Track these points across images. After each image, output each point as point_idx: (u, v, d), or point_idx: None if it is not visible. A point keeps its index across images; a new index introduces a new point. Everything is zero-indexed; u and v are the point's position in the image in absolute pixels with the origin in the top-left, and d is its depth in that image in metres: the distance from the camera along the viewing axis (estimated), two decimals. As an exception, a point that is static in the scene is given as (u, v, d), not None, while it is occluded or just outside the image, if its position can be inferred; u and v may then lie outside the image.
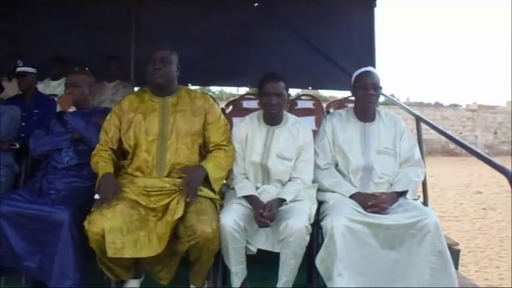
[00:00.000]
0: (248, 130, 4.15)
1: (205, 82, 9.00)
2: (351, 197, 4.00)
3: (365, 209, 3.86)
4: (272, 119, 4.14)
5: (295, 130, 4.14)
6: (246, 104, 6.34)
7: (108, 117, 4.15)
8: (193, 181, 3.78)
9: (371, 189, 4.06)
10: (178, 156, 3.98)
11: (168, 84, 4.07)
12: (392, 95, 16.65)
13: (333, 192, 4.08)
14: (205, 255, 3.68)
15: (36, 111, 5.48)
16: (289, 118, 4.21)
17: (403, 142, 4.24)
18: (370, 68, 4.28)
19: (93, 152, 4.07)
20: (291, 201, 3.89)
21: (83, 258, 3.86)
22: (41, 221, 3.86)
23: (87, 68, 4.69)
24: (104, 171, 3.87)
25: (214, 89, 21.35)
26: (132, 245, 3.60)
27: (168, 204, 3.74)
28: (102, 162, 3.96)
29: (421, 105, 27.16)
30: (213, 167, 3.94)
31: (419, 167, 4.21)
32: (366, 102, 4.19)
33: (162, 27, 7.40)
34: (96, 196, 3.72)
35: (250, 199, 3.91)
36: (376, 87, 4.17)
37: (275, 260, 3.82)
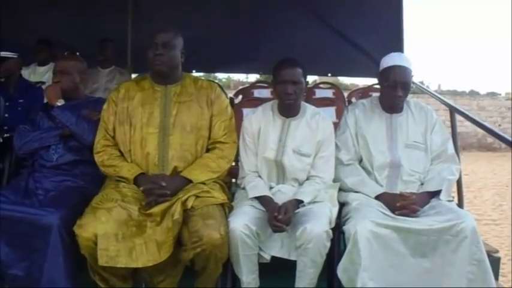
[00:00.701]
0: (261, 123, 4.14)
1: (211, 68, 9.05)
2: (377, 197, 4.00)
3: (393, 211, 3.85)
4: (288, 110, 4.12)
5: (314, 122, 4.12)
6: (257, 93, 6.37)
7: (105, 107, 4.14)
8: (162, 191, 3.75)
9: (399, 188, 4.06)
10: (182, 153, 3.97)
11: (171, 72, 4.06)
12: (422, 82, 16.63)
13: (356, 192, 4.08)
14: (212, 264, 3.66)
15: (20, 100, 5.47)
16: (307, 109, 4.19)
17: (434, 135, 4.23)
18: (400, 61, 4.16)
19: (97, 150, 4.06)
20: (309, 203, 3.87)
21: (75, 266, 3.83)
22: (28, 225, 3.80)
23: (78, 53, 4.66)
24: (134, 173, 3.90)
25: (221, 75, 21.27)
26: (127, 253, 3.58)
27: (167, 208, 3.70)
28: (119, 162, 3.98)
29: (454, 93, 26.87)
30: (200, 174, 3.93)
31: (454, 164, 4.20)
32: (393, 103, 4.20)
33: (161, 7, 7.42)
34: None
35: (263, 200, 3.90)
36: (407, 86, 4.15)
37: (291, 269, 3.80)
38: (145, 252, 3.60)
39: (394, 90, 4.10)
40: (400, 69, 4.10)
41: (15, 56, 5.59)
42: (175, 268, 3.82)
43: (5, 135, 4.84)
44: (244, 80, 20.96)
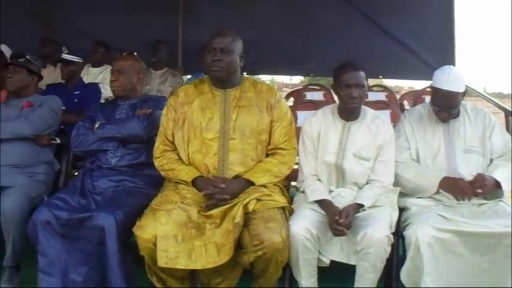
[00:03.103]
0: (321, 126, 4.10)
1: (258, 70, 8.97)
2: (440, 184, 3.97)
3: (456, 197, 3.87)
4: (349, 113, 4.08)
5: (374, 126, 4.08)
6: (309, 96, 6.33)
7: (164, 111, 4.11)
8: (223, 194, 3.73)
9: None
10: (243, 158, 3.93)
11: (230, 77, 4.00)
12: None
13: (416, 198, 4.05)
14: (272, 268, 3.63)
15: (76, 92, 5.62)
16: (368, 112, 4.15)
17: (495, 137, 4.17)
18: (449, 84, 4.04)
19: (156, 155, 4.06)
20: (369, 207, 3.85)
21: (131, 267, 3.86)
22: (85, 228, 3.81)
23: (135, 54, 4.62)
24: (192, 175, 3.89)
25: (264, 77, 21.30)
26: (187, 254, 3.55)
27: (227, 210, 3.68)
28: (178, 165, 3.96)
29: (500, 96, 26.50)
30: (261, 177, 3.90)
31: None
32: (440, 119, 4.17)
33: (211, 8, 7.43)
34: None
35: (323, 204, 3.86)
36: (458, 102, 4.11)
37: (350, 273, 3.78)
38: (205, 254, 3.57)
39: (440, 113, 4.11)
40: (450, 94, 4.04)
41: (79, 61, 5.65)
42: (233, 270, 3.79)
43: (57, 141, 4.83)
44: (288, 81, 20.92)
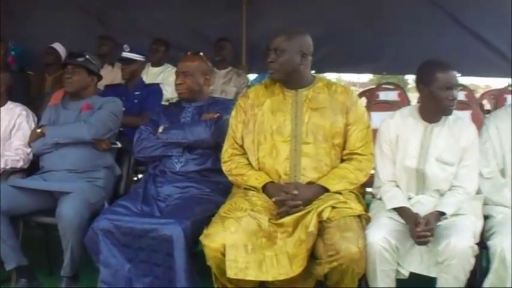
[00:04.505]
0: (399, 128, 4.06)
1: (322, 68, 8.93)
2: None
3: None
4: (435, 115, 4.02)
5: (456, 128, 4.01)
6: (383, 96, 6.28)
7: (233, 114, 4.13)
8: (296, 201, 3.72)
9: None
10: (317, 163, 3.92)
11: (290, 77, 3.99)
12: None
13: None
14: (348, 280, 3.60)
15: (137, 93, 5.68)
16: None
17: None
18: None
19: (225, 159, 4.08)
20: (451, 215, 3.80)
21: (197, 277, 3.88)
22: (150, 238, 3.81)
23: (201, 53, 4.61)
24: (263, 181, 3.90)
25: (330, 76, 21.21)
26: (257, 265, 3.55)
27: (299, 218, 3.67)
28: (247, 171, 3.98)
29: None
30: (337, 184, 3.88)
31: None
32: None
33: (276, 1, 7.46)
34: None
35: (402, 212, 3.83)
36: None
37: (430, 285, 3.76)
38: (276, 265, 3.57)
39: None
40: None
41: (142, 59, 5.71)
42: (306, 282, 3.75)
43: (118, 145, 4.88)
44: (356, 80, 20.77)
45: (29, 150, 4.94)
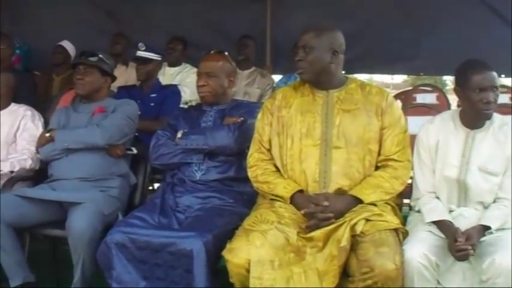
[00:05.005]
0: (440, 135, 4.03)
1: (354, 69, 8.90)
2: None
3: None
4: (475, 120, 3.99)
5: (502, 135, 3.98)
6: (420, 99, 6.24)
7: (259, 116, 4.13)
8: (327, 213, 3.69)
9: None
10: (349, 169, 3.90)
11: (320, 77, 3.99)
12: None
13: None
14: (383, 299, 3.59)
15: (153, 95, 5.69)
16: (495, 118, 4.03)
17: None
18: None
19: (251, 164, 4.08)
20: (496, 230, 3.76)
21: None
22: (168, 253, 3.78)
23: (226, 53, 4.58)
24: (291, 190, 3.89)
25: (361, 77, 21.20)
26: (284, 282, 3.54)
27: (330, 232, 3.65)
28: (274, 178, 3.96)
29: None
30: (371, 194, 3.85)
31: None
32: None
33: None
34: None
35: (442, 225, 3.81)
36: None
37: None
38: (305, 282, 3.56)
39: None
40: None
41: (159, 59, 5.73)
42: None
43: (133, 151, 4.85)
44: (389, 81, 20.72)
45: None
